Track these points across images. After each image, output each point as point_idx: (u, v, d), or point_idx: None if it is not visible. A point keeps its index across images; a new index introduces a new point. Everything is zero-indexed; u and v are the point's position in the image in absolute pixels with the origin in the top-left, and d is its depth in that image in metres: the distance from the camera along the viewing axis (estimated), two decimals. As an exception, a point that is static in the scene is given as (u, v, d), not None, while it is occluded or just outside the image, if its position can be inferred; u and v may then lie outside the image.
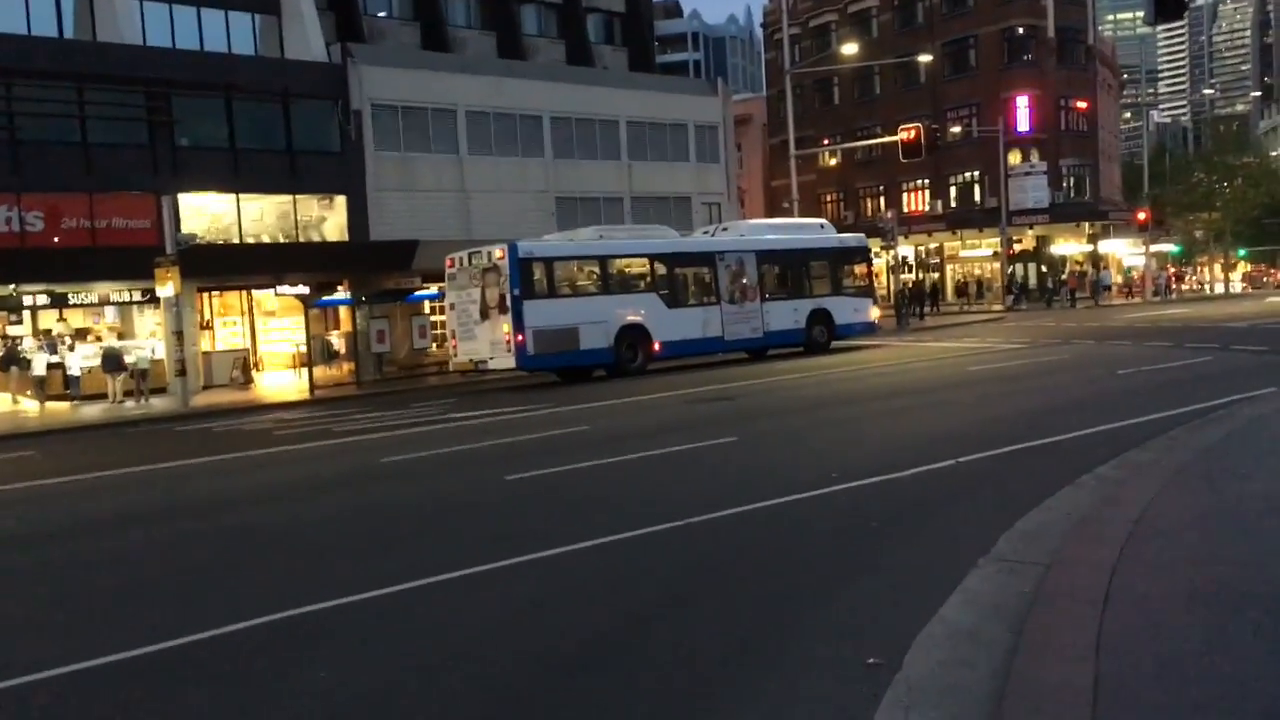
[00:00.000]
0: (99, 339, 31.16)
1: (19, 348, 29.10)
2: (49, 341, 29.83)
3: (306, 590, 7.24)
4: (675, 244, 28.92)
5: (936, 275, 61.61)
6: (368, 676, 5.60)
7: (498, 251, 24.72)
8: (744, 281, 28.45)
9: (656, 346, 26.46)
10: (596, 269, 26.48)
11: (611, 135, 42.14)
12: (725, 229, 31.43)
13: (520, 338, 24.18)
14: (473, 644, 6.05)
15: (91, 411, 26.17)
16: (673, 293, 27.30)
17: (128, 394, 27.66)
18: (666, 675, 5.29)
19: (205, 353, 32.30)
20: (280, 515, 10.77)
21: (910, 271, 59.28)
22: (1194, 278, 76.07)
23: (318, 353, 30.12)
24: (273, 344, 35.63)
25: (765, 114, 71.47)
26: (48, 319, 31.28)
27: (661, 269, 27.30)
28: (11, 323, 30.59)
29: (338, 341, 31.78)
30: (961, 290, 57.49)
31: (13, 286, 28.48)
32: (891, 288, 47.50)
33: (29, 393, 27.31)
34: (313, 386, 27.95)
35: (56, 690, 5.70)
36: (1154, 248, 60.12)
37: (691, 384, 22.27)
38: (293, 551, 8.94)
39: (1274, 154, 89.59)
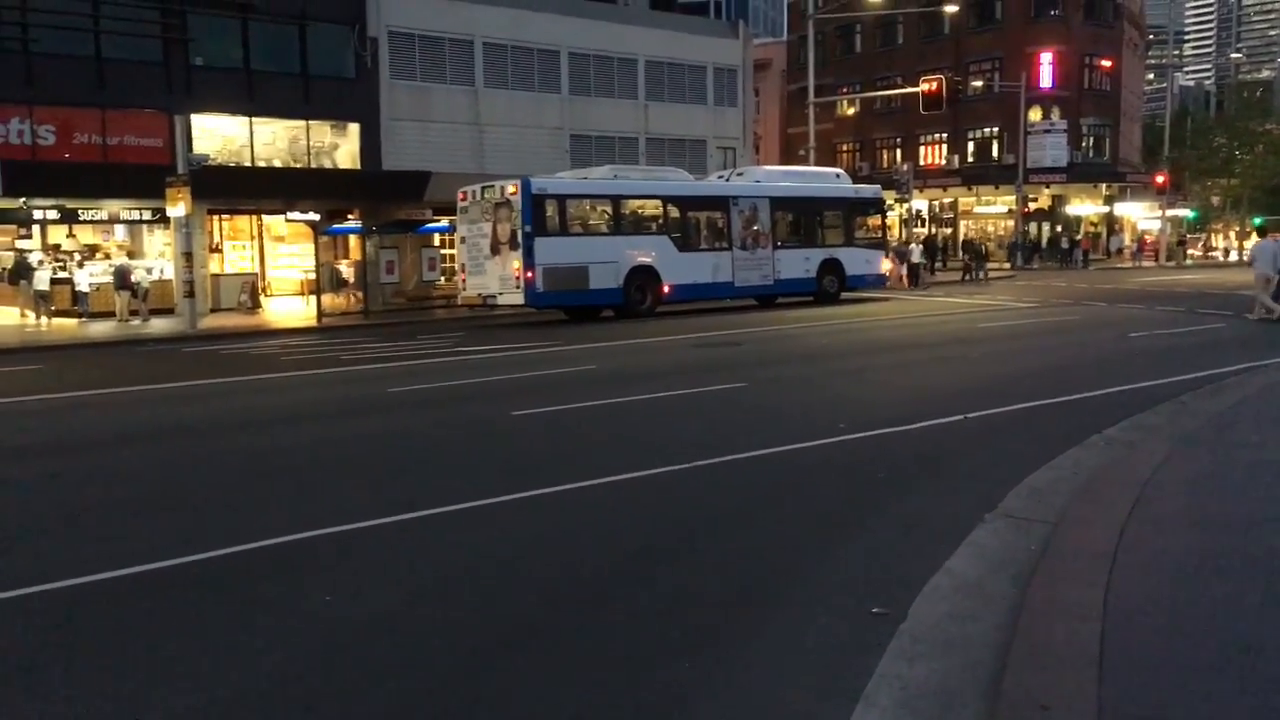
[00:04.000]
0: (108, 256, 31.15)
1: (29, 260, 29.05)
2: (58, 257, 29.82)
3: (310, 516, 7.26)
4: (689, 187, 28.73)
5: (949, 230, 61.19)
6: (369, 602, 5.61)
7: (511, 187, 24.55)
8: (756, 228, 28.27)
9: (666, 289, 26.36)
10: (609, 209, 26.32)
11: (629, 74, 41.68)
12: (740, 174, 31.18)
13: (530, 274, 24.09)
14: (474, 576, 6.06)
15: (99, 329, 26.19)
16: (684, 236, 27.14)
17: (133, 313, 27.67)
18: (668, 617, 5.29)
19: (214, 275, 32.24)
20: (286, 440, 10.78)
21: (923, 225, 58.86)
22: (1202, 243, 75.40)
23: (326, 280, 30.06)
24: (281, 270, 35.57)
25: (785, 59, 70.60)
26: (57, 234, 31.24)
27: (674, 212, 27.12)
28: (21, 236, 30.53)
29: (347, 270, 31.69)
30: (1024, 247, 53.69)
31: (22, 200, 28.38)
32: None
33: (34, 307, 27.29)
34: (320, 314, 27.93)
35: (60, 601, 5.72)
36: (1170, 212, 59.64)
37: (700, 328, 22.21)
38: (297, 477, 8.95)
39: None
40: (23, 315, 28.35)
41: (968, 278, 40.87)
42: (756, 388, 13.39)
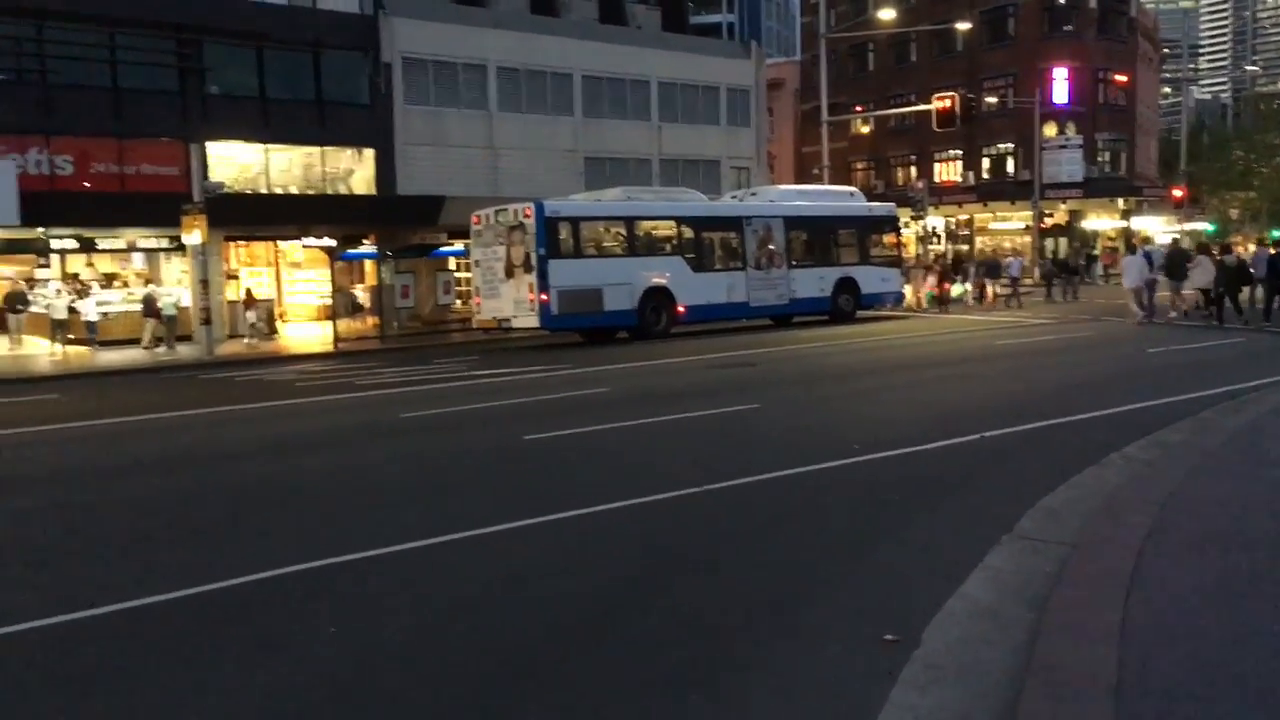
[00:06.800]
0: (126, 284, 31.37)
1: (26, 291, 29.30)
2: (74, 287, 30.04)
3: (319, 545, 7.21)
4: (703, 208, 28.70)
5: (965, 248, 60.96)
6: (374, 632, 5.55)
7: (524, 210, 24.60)
8: (771, 248, 28.22)
9: (680, 310, 26.31)
10: (623, 230, 26.32)
11: (642, 96, 41.79)
12: (754, 194, 31.16)
13: (544, 297, 24.08)
14: (481, 604, 5.99)
15: (115, 356, 26.30)
16: (699, 257, 27.10)
17: (158, 340, 27.83)
18: (677, 646, 5.20)
19: (230, 302, 32.39)
20: (297, 467, 10.75)
21: (939, 243, 58.68)
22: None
23: (342, 306, 30.15)
24: (298, 295, 35.71)
25: (798, 79, 70.65)
26: (76, 263, 31.47)
27: (688, 232, 27.10)
28: (40, 265, 30.75)
29: (362, 295, 31.80)
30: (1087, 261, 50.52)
31: (41, 230, 28.57)
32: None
33: (56, 336, 27.40)
34: (336, 339, 27.99)
35: (64, 637, 5.68)
36: (1188, 226, 59.37)
37: (715, 349, 22.13)
38: (307, 505, 8.92)
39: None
40: (11, 347, 28.28)
41: (1057, 295, 35.74)
42: (771, 409, 13.30)
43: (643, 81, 41.65)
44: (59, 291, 28.93)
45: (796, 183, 55.69)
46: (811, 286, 28.90)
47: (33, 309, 28.99)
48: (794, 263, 28.69)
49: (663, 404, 13.87)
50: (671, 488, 8.50)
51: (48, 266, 30.84)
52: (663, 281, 26.10)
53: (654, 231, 27.01)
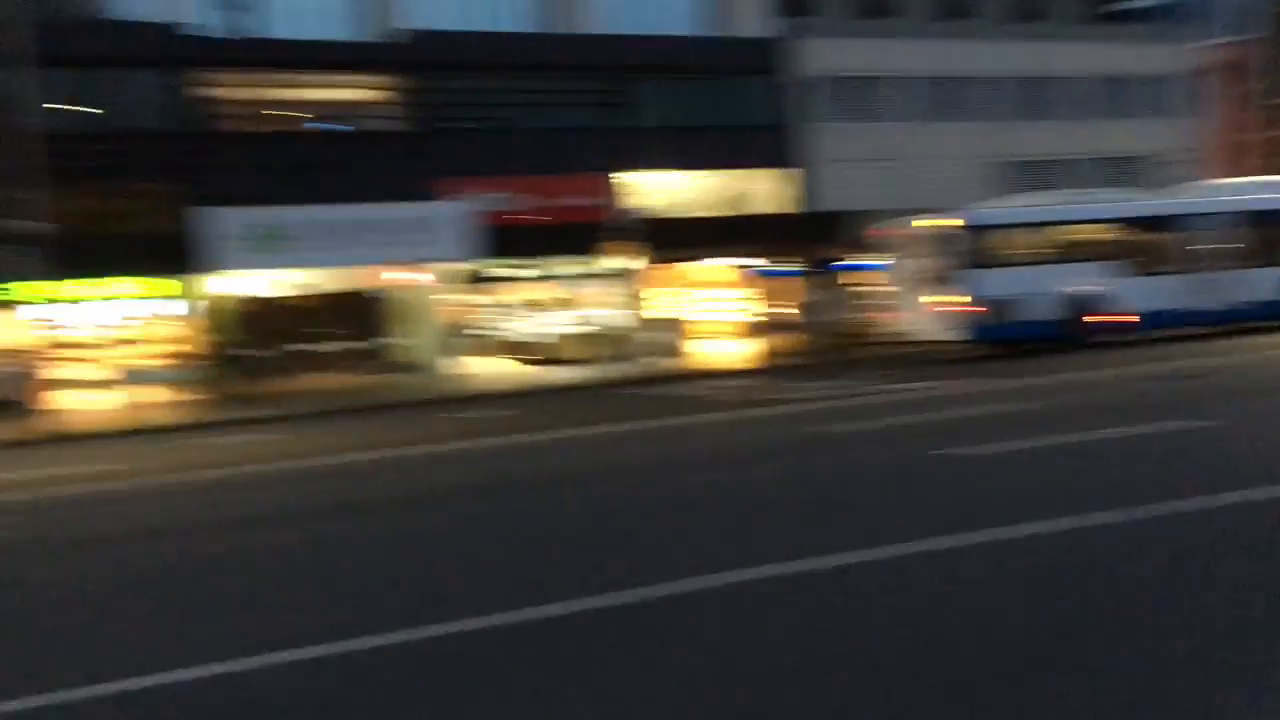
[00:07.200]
0: (566, 308, 34.29)
1: (491, 317, 32.77)
2: (525, 311, 33.40)
3: (724, 558, 7.29)
4: (1135, 207, 26.84)
5: None
6: (795, 652, 5.59)
7: (946, 220, 24.26)
8: (1214, 247, 25.81)
9: (1113, 318, 24.69)
10: (1050, 236, 25.31)
11: (1061, 93, 39.74)
12: (1192, 190, 28.72)
13: (968, 308, 23.60)
14: (877, 633, 5.80)
15: (562, 374, 28.82)
16: (1132, 260, 25.35)
17: (598, 359, 30.25)
18: (1108, 685, 4.82)
19: (655, 321, 34.21)
20: (711, 480, 11.13)
21: None
22: None
23: (764, 323, 31.06)
24: (719, 314, 37.07)
25: (1239, 60, 63.86)
26: (524, 290, 34.83)
27: (1120, 235, 25.49)
28: (493, 293, 34.27)
29: (783, 311, 32.60)
30: None
31: (493, 260, 31.79)
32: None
33: (515, 357, 30.50)
34: (762, 356, 28.87)
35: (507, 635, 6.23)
36: None
37: (1156, 359, 20.51)
38: (719, 518, 9.08)
39: None
40: (480, 366, 31.56)
41: None
42: (1233, 425, 12.00)
43: (1061, 78, 39.60)
44: (514, 316, 32.17)
45: (1239, 175, 50.37)
46: (1265, 288, 26.06)
47: (489, 333, 32.31)
48: (1242, 262, 26.01)
49: (1099, 419, 13.00)
50: (1115, 509, 7.94)
51: (499, 294, 34.27)
52: (1093, 288, 24.66)
53: (1083, 235, 25.66)
